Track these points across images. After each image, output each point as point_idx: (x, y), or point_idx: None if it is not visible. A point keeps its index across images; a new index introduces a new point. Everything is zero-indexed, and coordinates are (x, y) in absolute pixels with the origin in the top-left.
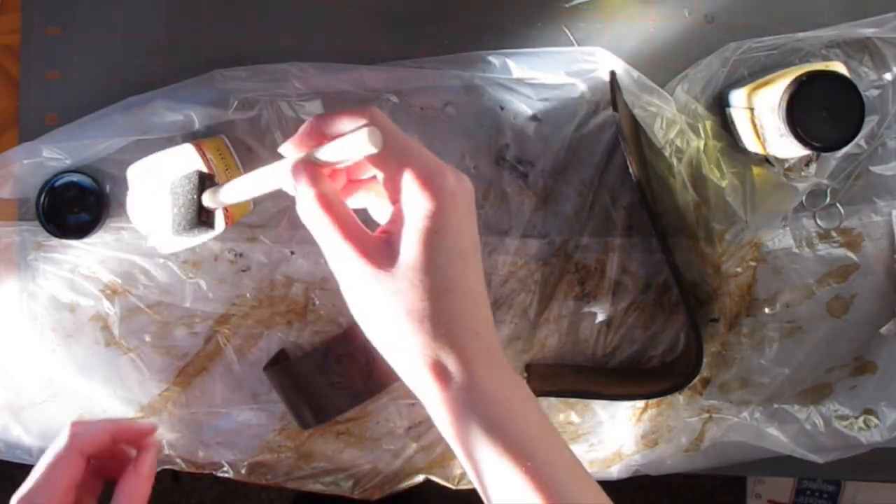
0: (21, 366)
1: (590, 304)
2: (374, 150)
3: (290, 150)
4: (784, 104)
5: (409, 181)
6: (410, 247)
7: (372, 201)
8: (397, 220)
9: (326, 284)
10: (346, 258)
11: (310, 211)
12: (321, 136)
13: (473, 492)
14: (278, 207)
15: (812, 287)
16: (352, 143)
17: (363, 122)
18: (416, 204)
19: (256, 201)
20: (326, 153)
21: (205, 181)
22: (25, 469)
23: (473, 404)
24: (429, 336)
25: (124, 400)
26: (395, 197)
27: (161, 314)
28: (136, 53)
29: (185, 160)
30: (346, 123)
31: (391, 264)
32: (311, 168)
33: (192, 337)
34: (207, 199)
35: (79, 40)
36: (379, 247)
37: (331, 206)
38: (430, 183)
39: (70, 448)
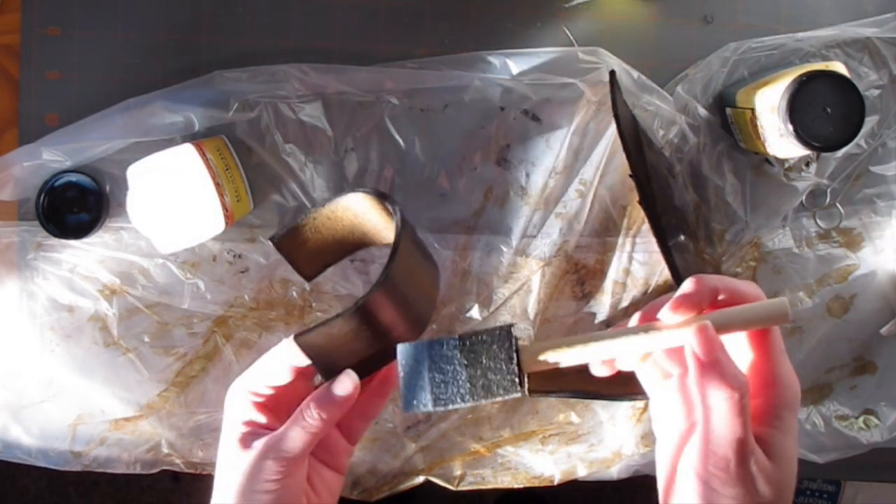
0: (20, 366)
1: (590, 304)
2: (791, 320)
3: (670, 316)
4: (784, 104)
5: (782, 378)
6: (787, 442)
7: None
8: (761, 414)
9: (324, 287)
10: (746, 439)
11: (713, 391)
12: (709, 301)
13: (473, 492)
14: (278, 208)
15: (812, 287)
16: (765, 310)
17: (751, 292)
18: (785, 403)
19: (257, 202)
20: (732, 318)
21: (513, 339)
22: (25, 469)
23: None
24: None
25: (123, 400)
26: (756, 384)
27: (160, 314)
28: (136, 53)
29: (185, 160)
30: (742, 288)
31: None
32: (717, 338)
33: (191, 337)
34: (530, 362)
35: (79, 40)
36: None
37: (737, 383)
38: (795, 385)
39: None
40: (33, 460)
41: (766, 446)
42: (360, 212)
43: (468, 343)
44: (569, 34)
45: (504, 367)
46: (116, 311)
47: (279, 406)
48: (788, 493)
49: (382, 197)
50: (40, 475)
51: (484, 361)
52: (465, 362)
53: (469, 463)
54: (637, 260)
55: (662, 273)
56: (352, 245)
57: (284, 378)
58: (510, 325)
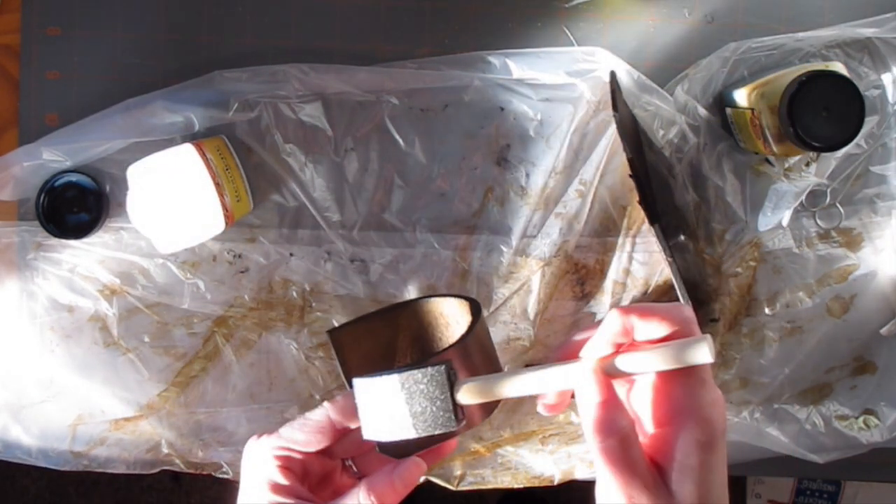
0: (20, 366)
1: (590, 304)
2: (708, 360)
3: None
4: (784, 104)
5: (690, 414)
6: (686, 483)
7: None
8: (665, 448)
9: (324, 287)
10: (626, 485)
11: (597, 425)
12: (624, 337)
13: (473, 492)
14: (278, 208)
15: (812, 287)
16: (679, 353)
17: (672, 326)
18: (690, 437)
19: (257, 202)
20: (638, 361)
21: (451, 375)
22: (25, 469)
23: None
24: None
25: (123, 400)
26: (661, 414)
27: (160, 314)
28: (136, 53)
29: (185, 160)
30: (655, 326)
31: (668, 496)
32: (605, 379)
33: (191, 337)
34: (464, 396)
35: (79, 40)
36: (652, 474)
37: (618, 424)
38: (708, 419)
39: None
40: (33, 460)
41: (663, 492)
42: (425, 322)
43: (408, 380)
44: (569, 34)
45: (440, 404)
46: (116, 311)
47: (306, 473)
48: None
49: (456, 297)
50: (40, 475)
51: (423, 397)
52: (408, 399)
53: (469, 463)
54: (637, 260)
55: (662, 273)
56: (408, 361)
57: (324, 442)
58: (444, 364)
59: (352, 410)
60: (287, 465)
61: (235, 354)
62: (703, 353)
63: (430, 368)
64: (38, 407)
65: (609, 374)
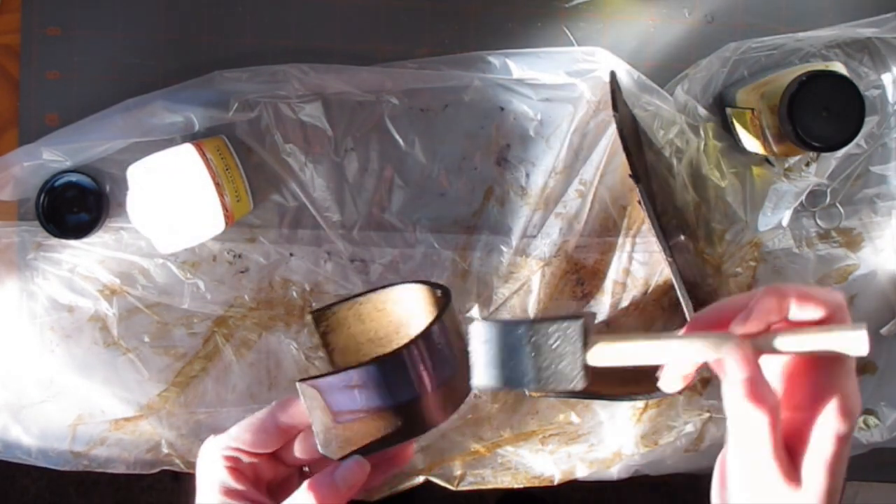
0: (20, 366)
1: (590, 304)
2: (863, 353)
3: (704, 321)
4: (784, 104)
5: (833, 403)
6: (817, 472)
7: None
8: (802, 434)
9: (324, 287)
10: (764, 467)
11: (743, 409)
12: (777, 316)
13: (473, 492)
14: (278, 208)
15: None
16: (835, 340)
17: (829, 310)
18: (830, 427)
19: (257, 202)
20: (793, 343)
21: (587, 333)
22: (25, 469)
23: None
24: None
25: (123, 400)
26: (802, 398)
27: (160, 314)
28: (136, 53)
29: (185, 160)
30: (812, 310)
31: (797, 481)
32: (756, 356)
33: (191, 337)
34: (595, 357)
35: (79, 40)
36: (786, 458)
37: (766, 404)
38: (851, 411)
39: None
40: (33, 460)
41: (792, 474)
42: (409, 308)
43: (538, 331)
44: (569, 34)
45: (570, 360)
46: (116, 311)
47: (258, 477)
48: None
49: (435, 287)
50: (40, 475)
51: (552, 352)
52: (533, 351)
53: (469, 463)
54: (637, 260)
55: (662, 273)
56: (393, 347)
57: (270, 443)
58: (581, 319)
59: (299, 412)
60: (236, 465)
61: (235, 354)
62: (861, 342)
63: (565, 322)
64: (38, 407)
65: (760, 350)
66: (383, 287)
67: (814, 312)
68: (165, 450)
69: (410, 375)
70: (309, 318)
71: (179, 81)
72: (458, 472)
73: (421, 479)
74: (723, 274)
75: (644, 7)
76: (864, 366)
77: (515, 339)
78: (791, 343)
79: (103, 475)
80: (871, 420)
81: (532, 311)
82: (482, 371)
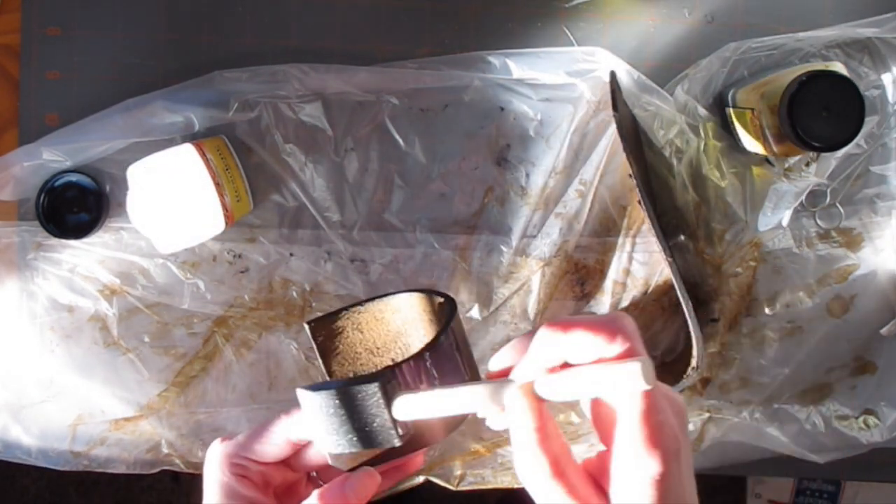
0: (20, 366)
1: (590, 304)
2: (645, 387)
3: (501, 363)
4: (784, 104)
5: (633, 439)
6: None
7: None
8: (606, 465)
9: (324, 287)
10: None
11: (526, 451)
12: (549, 356)
13: (473, 492)
14: (278, 208)
15: (812, 287)
16: (612, 377)
17: (607, 338)
18: (639, 467)
19: (257, 202)
20: (566, 386)
21: (388, 390)
22: (25, 469)
23: None
24: None
25: (123, 400)
26: (603, 434)
27: (160, 314)
28: (136, 53)
29: (185, 160)
30: (588, 343)
31: None
32: (535, 403)
33: (191, 337)
34: (400, 412)
35: (79, 40)
36: (592, 493)
37: (550, 450)
38: (658, 442)
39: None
40: (33, 460)
41: None
42: (409, 318)
43: (346, 396)
44: (569, 34)
45: (379, 420)
46: (116, 311)
47: (266, 483)
48: None
49: (436, 294)
50: (40, 475)
51: (362, 414)
52: (348, 415)
53: (469, 463)
54: (637, 260)
55: (662, 273)
56: (391, 357)
57: (280, 454)
58: (380, 381)
59: (308, 424)
60: (245, 473)
61: (235, 354)
62: (636, 378)
63: (363, 385)
64: (38, 407)
65: (539, 396)
66: (382, 296)
67: (588, 347)
68: (165, 450)
69: (424, 382)
70: (306, 327)
71: (179, 81)
72: (458, 472)
73: (421, 479)
74: (723, 274)
75: (644, 7)
76: (864, 366)
77: (331, 404)
78: (557, 387)
79: (103, 475)
80: (871, 420)
81: (532, 312)
82: (318, 437)
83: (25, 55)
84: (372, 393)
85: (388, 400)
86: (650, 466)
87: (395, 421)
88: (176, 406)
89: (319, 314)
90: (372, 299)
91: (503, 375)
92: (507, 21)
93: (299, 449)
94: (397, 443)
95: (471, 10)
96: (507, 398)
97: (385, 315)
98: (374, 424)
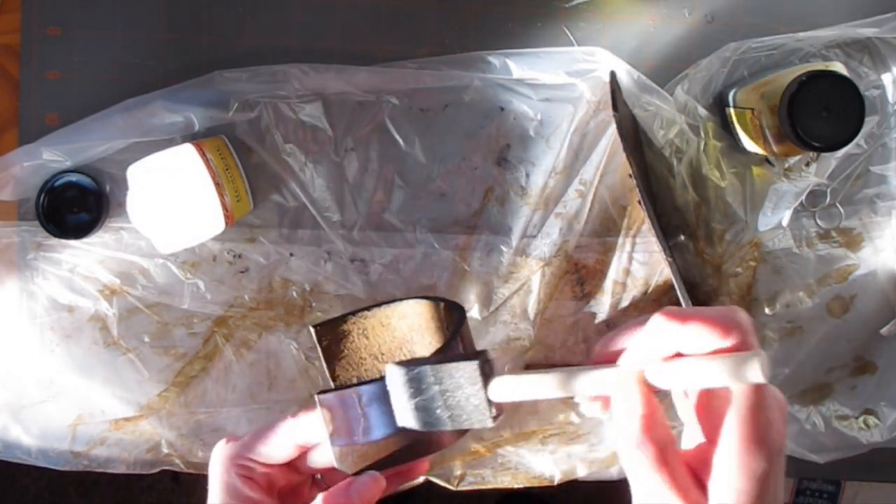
0: (20, 366)
1: (590, 304)
2: (761, 381)
3: (609, 348)
4: (784, 104)
5: (742, 435)
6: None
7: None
8: (709, 461)
9: (324, 287)
10: (662, 497)
11: (633, 440)
12: (663, 345)
13: (473, 492)
14: (278, 208)
15: (812, 287)
16: (724, 369)
17: (722, 334)
18: (746, 463)
19: (257, 202)
20: (680, 376)
21: (485, 370)
22: (25, 469)
23: None
24: None
25: (123, 400)
26: (708, 427)
27: (160, 315)
28: (136, 53)
29: (185, 160)
30: (699, 334)
31: None
32: (645, 390)
33: (191, 337)
34: (496, 394)
35: (79, 40)
36: (692, 485)
37: (656, 438)
38: (766, 439)
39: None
40: (33, 460)
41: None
42: (415, 325)
43: (442, 374)
44: (569, 34)
45: (475, 400)
46: (116, 311)
47: (270, 485)
48: None
49: (443, 301)
50: (40, 475)
51: (458, 393)
52: (441, 393)
53: (469, 463)
54: (637, 260)
55: (662, 273)
56: (400, 356)
57: (286, 453)
58: (479, 360)
59: (315, 426)
60: (249, 475)
61: (235, 354)
62: (753, 371)
63: (462, 363)
64: (38, 407)
65: (648, 384)
66: (389, 302)
67: (704, 338)
68: (165, 450)
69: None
70: (311, 331)
71: (179, 81)
72: (458, 472)
73: (421, 479)
74: (723, 274)
75: (644, 7)
76: (864, 366)
77: (425, 383)
78: (671, 376)
79: (103, 475)
80: (871, 420)
81: (532, 312)
82: (402, 413)
83: (25, 55)
84: (471, 371)
85: (486, 380)
86: (757, 463)
87: (489, 401)
88: (176, 406)
89: (320, 314)
90: (379, 305)
91: (608, 362)
92: (507, 21)
93: (304, 451)
94: (490, 424)
95: (471, 10)
96: (616, 384)
97: (391, 321)
98: (469, 404)
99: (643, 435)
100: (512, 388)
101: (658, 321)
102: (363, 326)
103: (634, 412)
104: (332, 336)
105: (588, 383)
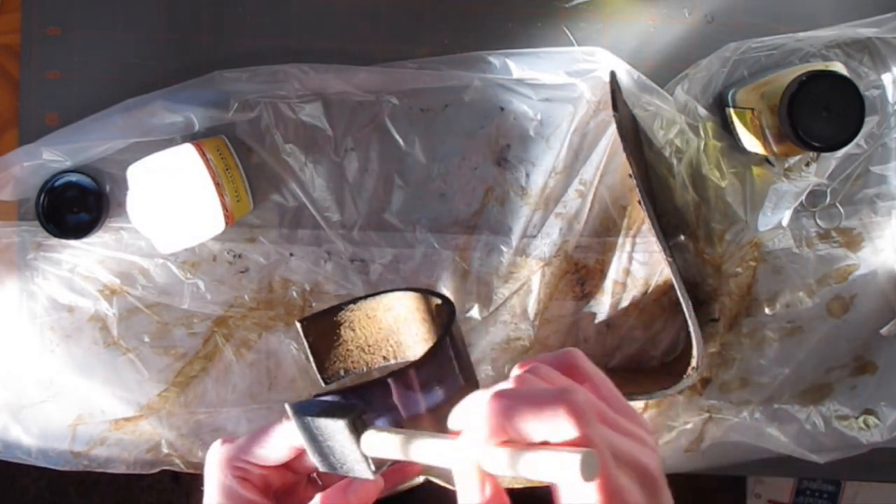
0: (20, 366)
1: (590, 304)
2: (582, 483)
3: (461, 422)
4: (784, 104)
5: None
6: None
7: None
8: None
9: (324, 287)
10: None
11: None
12: (509, 424)
13: None
14: (278, 208)
15: (812, 287)
16: (552, 466)
17: (551, 418)
18: None
19: (257, 202)
20: (507, 465)
21: (357, 426)
22: (25, 469)
23: None
24: None
25: (123, 400)
26: None
27: (160, 314)
28: (136, 53)
29: (185, 160)
30: (534, 426)
31: None
32: (482, 475)
33: (191, 337)
34: (368, 449)
35: (79, 40)
36: None
37: None
38: None
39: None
40: (33, 460)
41: None
42: (401, 316)
43: (321, 426)
44: (569, 34)
45: (352, 455)
46: (116, 311)
47: (266, 485)
48: None
49: (431, 294)
50: (40, 475)
51: (338, 446)
52: (326, 443)
53: None
54: (637, 260)
55: (662, 273)
56: (382, 355)
57: (282, 455)
58: (347, 419)
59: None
60: (246, 476)
61: (235, 354)
62: (573, 472)
63: (330, 420)
64: (38, 407)
65: (482, 468)
66: (374, 294)
67: (540, 428)
68: (165, 450)
69: (419, 391)
70: (298, 326)
71: (179, 81)
72: None
73: (421, 479)
74: (723, 274)
75: (644, 7)
76: (864, 366)
77: (312, 432)
78: (504, 464)
79: (103, 475)
80: (871, 420)
81: (532, 312)
82: (308, 451)
83: (25, 55)
84: (340, 429)
85: (358, 436)
86: None
87: (365, 456)
88: (176, 406)
89: (314, 306)
90: (364, 297)
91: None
92: (507, 21)
93: (300, 452)
94: (371, 477)
95: (471, 10)
96: (455, 466)
97: (377, 313)
98: (347, 457)
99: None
100: (380, 445)
101: (491, 404)
102: (349, 319)
103: (473, 499)
104: (319, 330)
105: (441, 456)
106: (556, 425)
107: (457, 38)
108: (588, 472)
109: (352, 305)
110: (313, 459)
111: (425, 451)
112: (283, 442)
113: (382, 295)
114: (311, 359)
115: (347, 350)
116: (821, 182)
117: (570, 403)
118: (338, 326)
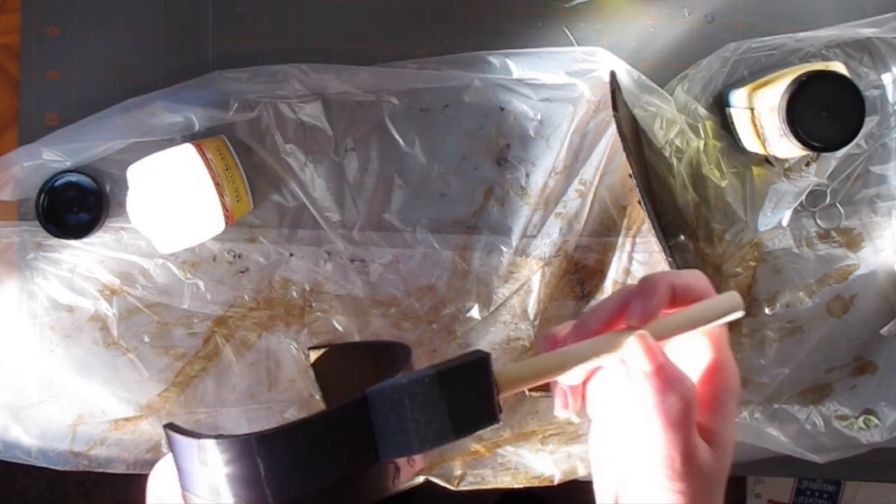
0: (20, 366)
1: (590, 304)
2: (742, 312)
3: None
4: (784, 104)
5: (728, 365)
6: (728, 429)
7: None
8: (710, 402)
9: (324, 287)
10: (691, 445)
11: (658, 388)
12: (662, 303)
13: (473, 492)
14: (278, 208)
15: (812, 287)
16: (717, 308)
17: (700, 289)
18: (730, 391)
19: (257, 202)
20: (682, 322)
21: (490, 369)
22: (25, 469)
23: None
24: None
25: (123, 400)
26: (703, 372)
27: (160, 314)
28: (136, 53)
29: (185, 160)
30: (685, 289)
31: (716, 444)
32: (656, 344)
33: (191, 337)
34: (506, 385)
35: (79, 40)
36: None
37: (681, 388)
38: (736, 371)
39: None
40: (33, 460)
41: (709, 435)
42: (378, 366)
43: (447, 377)
44: (569, 34)
45: (483, 398)
46: (116, 311)
47: None
48: (725, 476)
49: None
50: (40, 475)
51: (464, 395)
52: (446, 397)
53: (469, 463)
54: (637, 260)
55: None
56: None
57: None
58: (486, 355)
59: None
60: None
61: (235, 354)
62: (736, 302)
63: (470, 360)
64: (38, 407)
65: (657, 337)
66: (378, 343)
67: (686, 294)
68: (165, 450)
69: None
70: (310, 354)
71: (179, 81)
72: (458, 472)
73: (421, 479)
74: (723, 274)
75: (644, 7)
76: (864, 366)
77: (426, 391)
78: (680, 323)
79: (103, 475)
80: (871, 420)
81: (532, 312)
82: (393, 437)
83: (25, 55)
84: (478, 367)
85: (494, 379)
86: (736, 383)
87: (497, 398)
88: (176, 406)
89: (320, 314)
90: (372, 344)
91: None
92: (507, 21)
93: None
94: (498, 422)
95: (471, 10)
96: (627, 342)
97: (381, 360)
98: (475, 404)
99: (670, 379)
100: (520, 375)
101: (649, 281)
102: (356, 359)
103: (654, 361)
104: (325, 363)
105: (600, 349)
106: (703, 282)
107: (457, 38)
108: (741, 301)
109: (362, 348)
110: (412, 440)
111: (578, 355)
112: None
113: (390, 345)
114: (318, 386)
115: (351, 383)
116: (821, 182)
117: (698, 274)
118: (346, 364)
